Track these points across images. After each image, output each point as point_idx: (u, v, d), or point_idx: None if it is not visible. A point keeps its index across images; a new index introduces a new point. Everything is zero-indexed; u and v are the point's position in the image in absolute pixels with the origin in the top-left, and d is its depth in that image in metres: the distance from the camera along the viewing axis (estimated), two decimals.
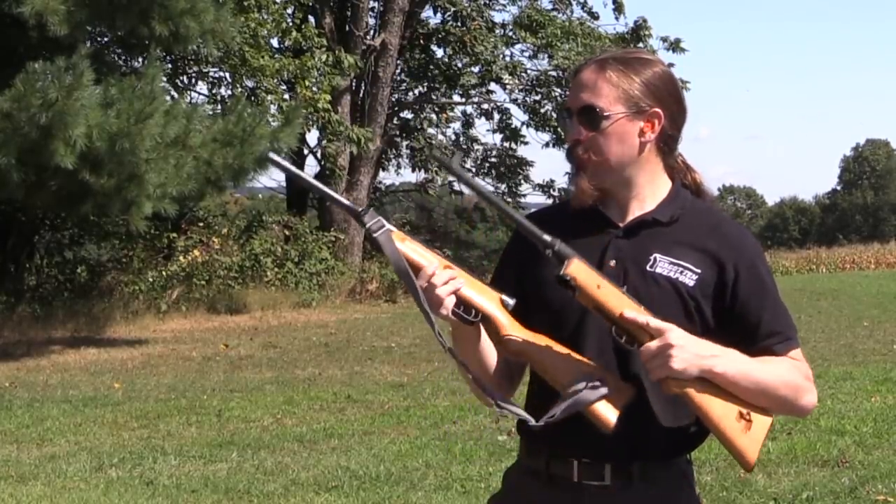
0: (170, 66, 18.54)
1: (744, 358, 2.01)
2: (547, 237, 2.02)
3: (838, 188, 73.77)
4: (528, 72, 23.88)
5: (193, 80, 19.87)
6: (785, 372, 2.04)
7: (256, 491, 5.76)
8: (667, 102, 2.12)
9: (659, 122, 2.11)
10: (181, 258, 17.93)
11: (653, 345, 1.94)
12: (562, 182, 25.33)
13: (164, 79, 15.64)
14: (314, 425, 7.67)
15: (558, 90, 23.94)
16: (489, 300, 2.06)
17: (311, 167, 23.62)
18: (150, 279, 17.49)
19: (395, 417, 7.86)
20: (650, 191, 2.14)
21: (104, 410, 8.62)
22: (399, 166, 25.67)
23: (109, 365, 11.71)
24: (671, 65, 24.38)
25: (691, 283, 2.06)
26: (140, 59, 15.67)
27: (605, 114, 2.08)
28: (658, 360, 1.93)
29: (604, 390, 1.99)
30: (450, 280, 2.05)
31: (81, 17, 10.90)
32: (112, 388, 9.93)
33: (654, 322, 1.95)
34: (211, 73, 19.69)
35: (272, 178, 40.83)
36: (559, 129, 24.12)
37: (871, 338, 11.62)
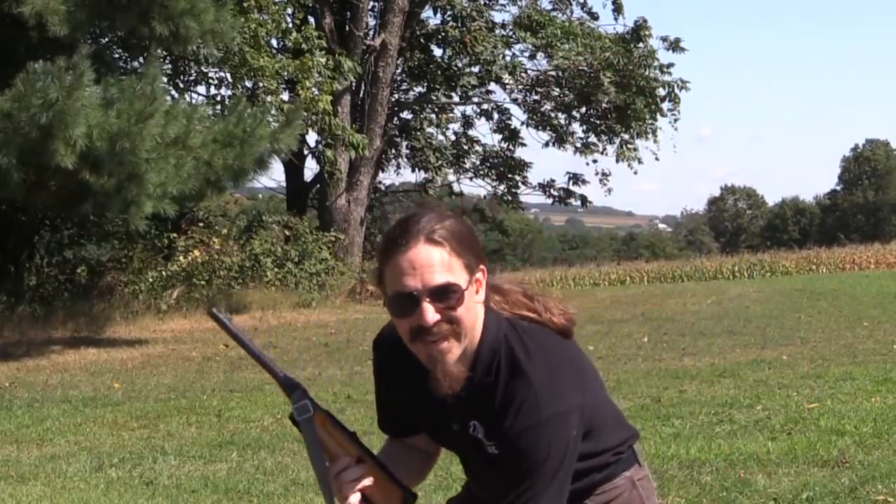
0: (170, 66, 18.55)
1: None
2: (282, 375, 2.13)
3: (838, 188, 73.78)
4: (528, 72, 23.89)
5: (193, 82, 19.87)
6: None
7: (256, 491, 5.76)
8: (482, 256, 2.11)
9: (484, 277, 2.11)
10: (181, 258, 17.93)
11: None
12: (561, 182, 25.35)
13: (165, 79, 15.66)
14: None
15: (558, 90, 23.95)
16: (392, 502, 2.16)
17: (311, 169, 23.66)
18: (150, 279, 17.50)
19: None
20: (470, 350, 2.11)
21: (104, 410, 8.61)
22: (399, 166, 25.70)
23: (109, 365, 11.71)
24: (671, 63, 24.18)
25: (496, 452, 2.11)
26: (140, 60, 15.67)
27: (460, 287, 2.03)
28: None
29: None
30: (358, 478, 2.14)
31: (81, 17, 10.91)
32: (112, 388, 9.93)
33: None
34: (211, 74, 19.70)
35: (272, 179, 40.86)
36: (558, 131, 24.15)
37: (871, 338, 11.61)
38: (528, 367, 2.09)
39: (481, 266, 2.09)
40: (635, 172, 25.25)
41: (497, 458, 2.10)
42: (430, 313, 2.01)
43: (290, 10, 19.29)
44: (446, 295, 2.02)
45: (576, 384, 2.12)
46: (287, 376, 2.12)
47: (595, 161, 24.85)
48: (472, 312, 2.07)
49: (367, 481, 2.12)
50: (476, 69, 23.53)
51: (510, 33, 23.60)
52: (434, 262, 2.02)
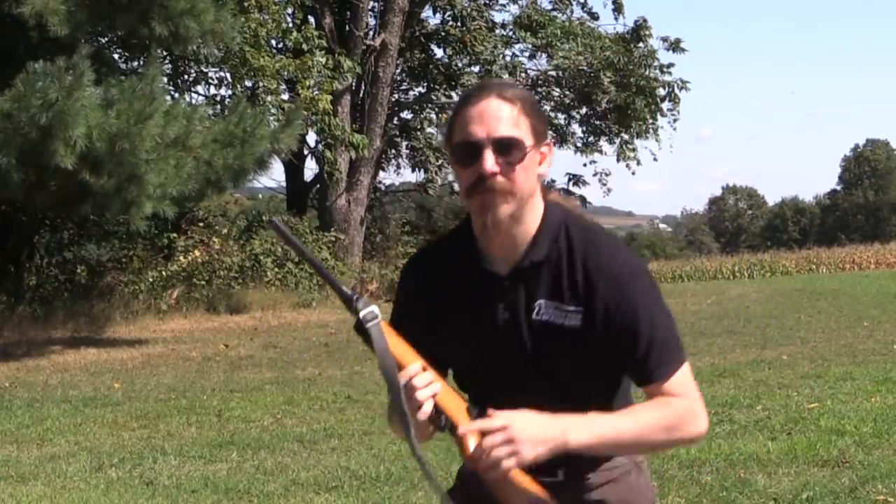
0: (170, 66, 18.55)
1: (599, 421, 1.99)
2: (349, 291, 2.02)
3: (838, 188, 73.79)
4: (528, 72, 23.89)
5: (193, 82, 19.87)
6: (652, 418, 2.02)
7: (256, 491, 5.76)
8: (546, 132, 2.12)
9: (549, 152, 2.11)
10: (181, 258, 17.93)
11: (497, 439, 1.93)
12: (562, 182, 25.36)
13: (165, 79, 15.66)
14: (314, 425, 7.67)
15: (557, 90, 23.95)
16: (461, 411, 2.04)
17: (311, 169, 23.66)
18: (150, 279, 17.50)
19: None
20: (531, 226, 2.09)
21: (104, 410, 8.61)
22: (399, 166, 25.71)
23: (109, 365, 11.71)
24: (671, 63, 24.17)
25: (578, 324, 2.05)
26: (140, 60, 15.67)
27: (525, 145, 2.04)
28: (504, 453, 1.93)
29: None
30: (429, 384, 2.01)
31: (81, 17, 10.91)
32: (112, 388, 9.93)
33: (490, 424, 1.95)
34: (211, 74, 19.70)
35: (272, 179, 40.86)
36: (559, 131, 24.15)
37: (871, 338, 11.61)
38: (600, 239, 2.11)
39: (548, 141, 2.11)
40: (633, 173, 25.29)
41: (577, 330, 2.04)
42: (490, 162, 2.02)
43: (290, 10, 19.30)
44: (509, 149, 2.03)
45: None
46: (343, 289, 2.04)
47: (594, 162, 24.87)
48: (531, 179, 2.06)
49: (437, 387, 2.01)
50: (476, 69, 23.53)
51: (510, 33, 23.60)
52: (503, 114, 2.04)
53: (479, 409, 2.02)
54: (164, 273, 17.68)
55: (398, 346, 2.02)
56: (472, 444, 1.97)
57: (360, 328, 2.00)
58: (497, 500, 2.06)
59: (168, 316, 16.49)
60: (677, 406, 2.04)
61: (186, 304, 17.19)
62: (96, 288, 17.83)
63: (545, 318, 2.06)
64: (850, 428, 6.43)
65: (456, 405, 2.03)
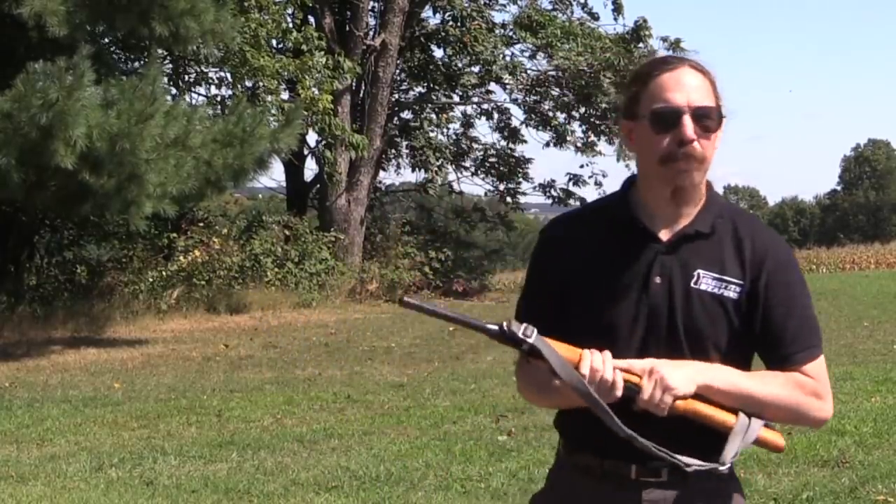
0: (170, 66, 18.55)
1: (734, 373, 2.07)
2: (494, 326, 2.01)
3: (839, 188, 73.78)
4: (528, 72, 23.88)
5: (193, 82, 19.86)
6: (781, 388, 2.10)
7: (256, 491, 5.76)
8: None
9: (722, 128, 2.14)
10: (181, 258, 17.93)
11: (647, 383, 2.00)
12: (562, 182, 25.34)
13: (165, 79, 15.66)
14: (314, 425, 7.67)
15: (557, 90, 23.94)
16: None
17: (311, 169, 23.66)
18: (150, 279, 17.49)
19: (395, 417, 7.85)
20: (698, 198, 2.15)
21: (104, 410, 8.61)
22: (399, 166, 25.68)
23: (109, 365, 11.71)
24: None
25: (735, 296, 2.10)
26: (140, 60, 15.67)
27: (720, 114, 2.10)
28: (658, 391, 1.99)
29: (761, 422, 2.10)
30: (605, 359, 2.04)
31: (81, 17, 10.91)
32: (112, 388, 9.92)
33: (639, 363, 2.02)
34: (211, 74, 19.69)
35: (272, 179, 40.89)
36: (559, 130, 24.15)
37: (871, 338, 11.61)
38: (763, 225, 2.20)
39: (725, 117, 2.13)
40: (633, 173, 25.22)
41: (735, 302, 2.09)
42: (690, 128, 2.06)
43: (290, 10, 19.29)
44: (708, 117, 2.08)
45: None
46: (488, 326, 2.04)
47: (593, 162, 24.85)
48: (714, 150, 2.11)
49: (608, 355, 2.03)
50: (476, 69, 23.52)
51: (510, 33, 23.59)
52: (701, 84, 2.09)
53: None
54: (164, 273, 17.67)
55: (561, 348, 2.02)
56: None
57: (532, 352, 2.01)
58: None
59: (168, 316, 16.49)
60: (810, 386, 2.12)
61: (186, 304, 17.19)
62: (96, 288, 17.82)
63: (704, 287, 2.10)
64: (850, 428, 6.43)
65: (629, 373, 2.05)
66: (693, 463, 2.07)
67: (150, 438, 7.44)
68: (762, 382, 2.08)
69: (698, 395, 2.04)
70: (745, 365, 2.14)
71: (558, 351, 2.01)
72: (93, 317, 15.78)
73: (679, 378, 2.00)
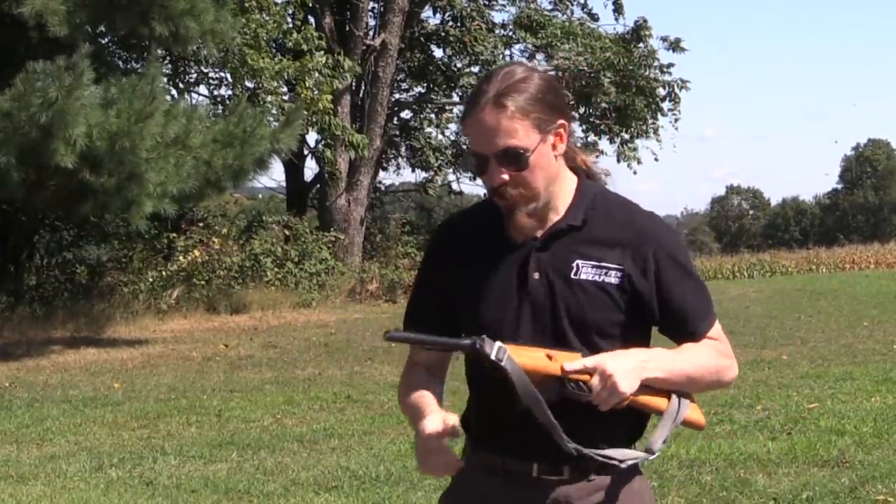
0: (170, 66, 18.55)
1: (670, 356, 2.11)
2: (467, 341, 2.03)
3: (839, 188, 73.76)
4: None
5: (194, 82, 19.87)
6: (705, 358, 2.16)
7: (256, 491, 5.76)
8: (562, 108, 2.13)
9: (565, 132, 2.12)
10: (181, 258, 17.93)
11: (596, 382, 2.02)
12: None
13: (165, 79, 15.66)
14: (314, 425, 7.67)
15: None
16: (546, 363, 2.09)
17: (311, 169, 23.66)
18: (150, 279, 17.50)
19: (395, 417, 7.85)
20: (562, 196, 2.15)
21: (104, 410, 8.61)
22: (399, 166, 25.69)
23: (109, 365, 11.71)
24: (671, 63, 24.06)
25: (617, 281, 2.12)
26: (140, 60, 15.67)
27: (528, 150, 2.06)
28: (605, 392, 2.02)
29: (688, 402, 2.14)
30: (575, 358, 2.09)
31: (81, 17, 10.91)
32: (112, 388, 9.93)
33: (589, 361, 2.03)
34: (211, 74, 19.70)
35: (272, 179, 40.89)
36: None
37: (871, 338, 11.61)
38: (637, 206, 2.20)
39: (559, 120, 2.11)
40: (634, 173, 25.26)
41: (618, 286, 2.11)
42: (497, 175, 2.07)
43: (290, 11, 19.29)
44: (512, 158, 2.06)
45: None
46: (462, 342, 2.06)
47: (594, 162, 24.83)
48: (548, 169, 2.10)
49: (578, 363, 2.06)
50: (476, 69, 23.53)
51: (510, 33, 23.60)
52: (500, 125, 2.06)
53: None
54: (164, 273, 17.68)
55: (526, 358, 2.04)
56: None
57: (496, 367, 2.03)
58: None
59: (168, 316, 16.49)
60: (723, 350, 2.20)
61: (186, 304, 17.19)
62: (96, 288, 17.83)
63: (584, 277, 2.12)
64: (850, 428, 6.43)
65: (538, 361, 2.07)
66: (627, 457, 2.11)
67: (150, 438, 7.44)
68: (691, 358, 2.13)
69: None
70: (643, 345, 2.17)
71: (528, 363, 2.03)
72: (93, 317, 15.78)
73: (628, 381, 2.02)
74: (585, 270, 2.11)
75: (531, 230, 2.12)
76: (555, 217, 2.14)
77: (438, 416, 2.13)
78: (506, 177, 2.07)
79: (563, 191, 2.15)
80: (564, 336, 2.10)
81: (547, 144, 2.09)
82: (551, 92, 2.12)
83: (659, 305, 2.13)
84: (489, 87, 2.08)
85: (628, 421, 2.14)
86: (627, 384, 2.02)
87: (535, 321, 2.12)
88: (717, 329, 2.20)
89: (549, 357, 2.05)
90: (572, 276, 2.11)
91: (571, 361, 2.03)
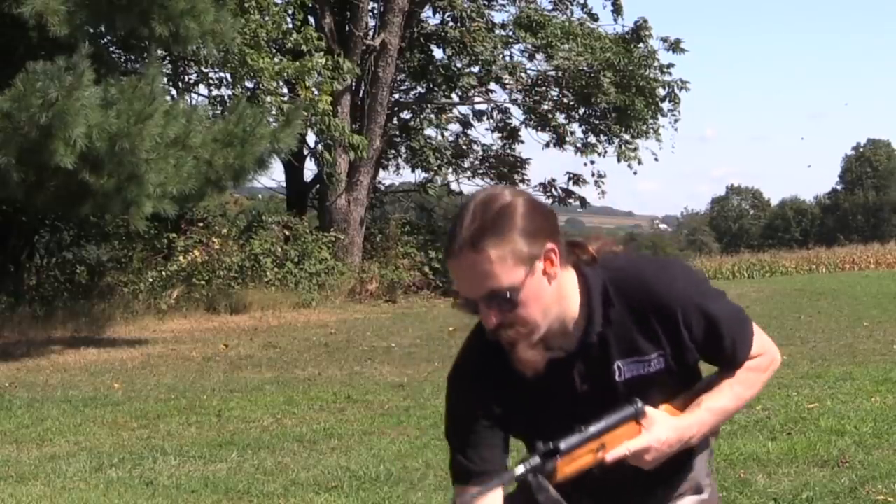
0: (170, 66, 18.55)
1: (707, 411, 2.14)
2: (522, 471, 2.03)
3: (839, 188, 73.75)
4: (528, 72, 23.88)
5: (194, 83, 19.86)
6: (741, 389, 2.19)
7: (256, 491, 5.76)
8: (548, 230, 2.03)
9: (556, 254, 2.03)
10: (181, 258, 17.93)
11: (648, 459, 2.10)
12: (562, 181, 25.36)
13: (165, 79, 15.66)
14: (314, 425, 7.67)
15: (557, 90, 23.95)
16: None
17: (310, 169, 23.66)
18: (150, 279, 17.50)
19: (395, 417, 7.85)
20: (571, 307, 2.08)
21: (104, 410, 8.61)
22: (399, 166, 25.68)
23: (109, 365, 11.71)
24: (671, 63, 24.07)
25: (661, 366, 2.12)
26: (140, 60, 15.67)
27: (515, 289, 1.98)
28: (653, 463, 2.11)
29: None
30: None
31: (81, 17, 10.91)
32: (112, 388, 9.92)
33: (633, 446, 2.07)
34: (211, 75, 19.69)
35: (272, 179, 40.84)
36: (558, 132, 24.16)
37: (871, 338, 11.61)
38: (645, 276, 2.12)
39: (547, 245, 2.00)
40: (635, 173, 25.29)
41: (664, 370, 2.12)
42: (488, 318, 2.01)
43: (290, 11, 19.29)
44: (499, 299, 1.98)
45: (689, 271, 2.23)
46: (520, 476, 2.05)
47: (593, 162, 24.88)
48: (543, 298, 2.02)
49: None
50: (476, 69, 23.53)
51: (510, 33, 23.59)
52: (480, 269, 1.97)
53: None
54: (163, 273, 17.68)
55: (573, 467, 2.06)
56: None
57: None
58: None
59: (168, 316, 16.49)
60: (759, 363, 2.21)
61: (186, 304, 17.19)
62: (96, 288, 17.83)
63: (628, 376, 2.11)
64: (850, 428, 6.43)
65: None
66: None
67: (150, 438, 7.44)
68: (730, 397, 2.17)
69: None
70: (694, 379, 2.21)
71: (569, 473, 2.06)
72: (93, 317, 15.78)
73: (672, 450, 2.09)
74: (628, 369, 2.11)
75: (538, 363, 2.05)
76: (574, 329, 2.09)
77: None
78: (496, 319, 2.00)
79: (570, 304, 2.08)
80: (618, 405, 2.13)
81: (536, 275, 2.00)
82: (533, 218, 2.00)
83: (703, 355, 2.16)
84: (463, 228, 1.98)
85: (674, 459, 2.18)
86: (668, 452, 2.10)
87: (588, 415, 2.12)
88: (756, 345, 2.20)
89: (602, 446, 2.06)
90: (616, 378, 2.11)
91: (616, 449, 2.06)
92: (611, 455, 2.04)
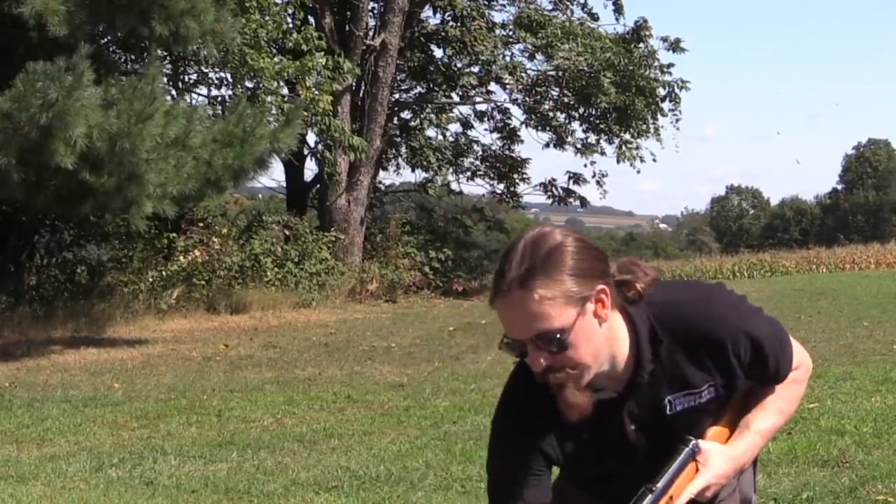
0: (170, 66, 18.54)
1: (757, 434, 2.18)
2: None
3: (839, 188, 73.71)
4: (528, 72, 23.88)
5: (194, 83, 19.86)
6: (784, 405, 2.23)
7: (256, 491, 5.76)
8: (599, 271, 2.00)
9: (607, 295, 2.00)
10: (181, 258, 17.92)
11: (706, 495, 2.12)
12: (562, 181, 25.34)
13: (165, 79, 15.66)
14: (314, 425, 7.67)
15: (557, 90, 23.94)
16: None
17: (311, 169, 23.65)
18: (150, 279, 17.49)
19: (395, 417, 7.85)
20: (621, 348, 2.07)
21: (104, 410, 8.61)
22: (399, 166, 25.68)
23: (109, 365, 11.70)
24: (671, 63, 24.07)
25: (711, 396, 2.13)
26: (140, 60, 15.67)
27: (565, 331, 1.95)
28: (711, 495, 2.14)
29: None
30: None
31: (81, 17, 10.90)
32: (112, 388, 9.92)
33: (694, 490, 2.09)
34: (211, 75, 19.69)
35: (272, 179, 40.86)
36: (558, 132, 24.15)
37: (871, 338, 11.61)
38: (688, 310, 2.10)
39: (598, 286, 1.98)
40: (638, 172, 25.29)
41: (715, 399, 2.13)
42: (537, 360, 1.98)
43: (290, 11, 19.28)
44: (549, 342, 1.95)
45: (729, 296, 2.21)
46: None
47: (593, 163, 24.88)
48: (593, 340, 1.99)
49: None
50: (476, 69, 23.52)
51: (510, 33, 23.58)
52: (527, 311, 1.94)
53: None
54: (164, 273, 17.67)
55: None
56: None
57: None
58: None
59: (168, 316, 16.49)
60: (795, 377, 2.23)
61: (186, 304, 17.19)
62: (96, 288, 17.82)
63: (680, 409, 2.11)
64: (850, 428, 6.43)
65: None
66: None
67: (150, 438, 7.44)
68: (776, 411, 2.21)
69: None
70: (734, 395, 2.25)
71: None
72: (93, 317, 15.78)
73: (728, 480, 2.15)
74: (679, 402, 2.10)
75: (585, 407, 2.02)
76: (623, 370, 2.08)
77: None
78: (545, 362, 1.96)
79: (620, 345, 2.06)
80: (669, 439, 2.13)
81: (587, 316, 1.97)
82: (583, 258, 1.98)
83: (748, 376, 2.17)
84: (512, 268, 1.95)
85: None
86: (725, 481, 2.14)
87: (645, 465, 2.11)
88: (795, 358, 2.22)
89: (671, 498, 2.07)
90: (668, 413, 2.10)
91: (681, 497, 2.07)
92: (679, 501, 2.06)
